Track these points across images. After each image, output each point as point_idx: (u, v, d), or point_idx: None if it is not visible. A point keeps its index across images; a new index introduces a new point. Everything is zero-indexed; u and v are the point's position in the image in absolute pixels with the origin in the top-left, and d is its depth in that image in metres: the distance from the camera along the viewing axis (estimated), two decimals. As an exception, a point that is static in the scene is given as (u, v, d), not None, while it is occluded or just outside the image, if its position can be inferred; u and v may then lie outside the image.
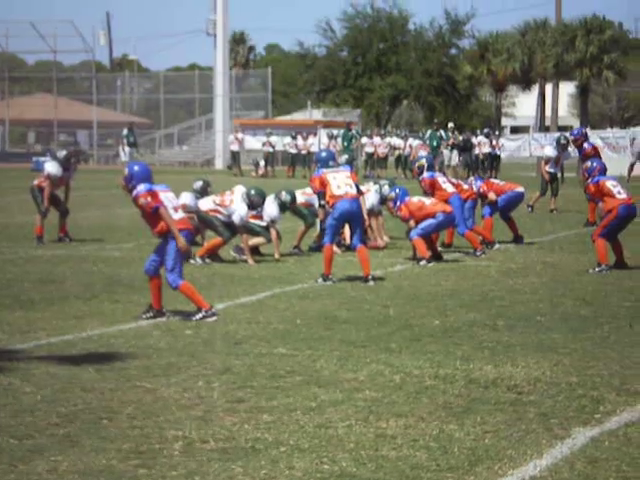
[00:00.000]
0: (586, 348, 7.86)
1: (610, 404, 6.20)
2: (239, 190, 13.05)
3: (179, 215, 9.05)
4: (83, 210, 21.31)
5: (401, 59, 55.19)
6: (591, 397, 6.37)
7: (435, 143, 34.83)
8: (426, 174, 13.74)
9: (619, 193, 12.21)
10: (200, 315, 8.95)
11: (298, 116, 60.01)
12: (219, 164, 45.56)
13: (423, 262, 12.66)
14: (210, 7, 46.14)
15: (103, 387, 6.58)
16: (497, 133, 42.92)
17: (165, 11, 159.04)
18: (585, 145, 18.56)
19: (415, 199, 13.27)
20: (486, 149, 37.41)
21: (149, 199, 8.87)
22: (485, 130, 39.99)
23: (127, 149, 39.13)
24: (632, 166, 34.40)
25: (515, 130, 63.39)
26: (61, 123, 51.90)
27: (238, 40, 68.86)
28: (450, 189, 13.76)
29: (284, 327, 8.68)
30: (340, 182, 11.24)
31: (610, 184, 12.27)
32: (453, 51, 57.72)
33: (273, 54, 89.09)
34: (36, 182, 15.23)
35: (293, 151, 38.96)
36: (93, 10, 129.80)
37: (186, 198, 12.71)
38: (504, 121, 63.46)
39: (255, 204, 12.89)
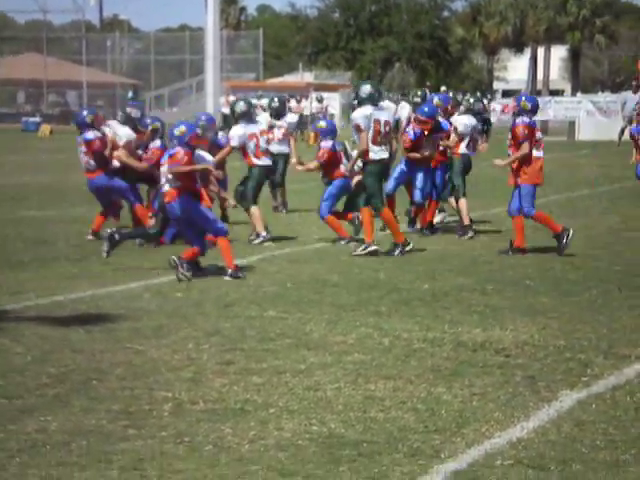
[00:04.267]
0: (574, 312, 7.90)
1: (597, 367, 6.24)
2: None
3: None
4: (73, 172, 21.21)
5: (393, 21, 54.88)
6: (578, 360, 6.41)
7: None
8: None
9: None
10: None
11: (290, 79, 59.74)
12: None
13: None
14: (201, -34, 45.68)
15: (93, 348, 6.60)
16: (489, 97, 42.81)
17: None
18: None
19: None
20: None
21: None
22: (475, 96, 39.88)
23: None
24: (622, 130, 34.24)
25: (507, 94, 63.13)
26: (51, 83, 51.53)
27: (229, 1, 68.29)
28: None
29: (274, 290, 8.70)
30: None
31: None
32: (445, 14, 57.40)
33: (265, 15, 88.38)
34: None
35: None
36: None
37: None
38: (496, 85, 63.29)
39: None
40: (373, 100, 10.53)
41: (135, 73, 54.42)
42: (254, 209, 11.59)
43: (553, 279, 9.38)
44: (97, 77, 52.68)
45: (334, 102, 39.24)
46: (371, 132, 10.40)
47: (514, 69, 66.72)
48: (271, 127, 14.28)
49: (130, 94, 40.93)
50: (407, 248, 10.63)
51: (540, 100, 40.78)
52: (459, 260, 10.45)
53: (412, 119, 12.31)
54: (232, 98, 39.91)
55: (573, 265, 10.14)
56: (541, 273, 9.68)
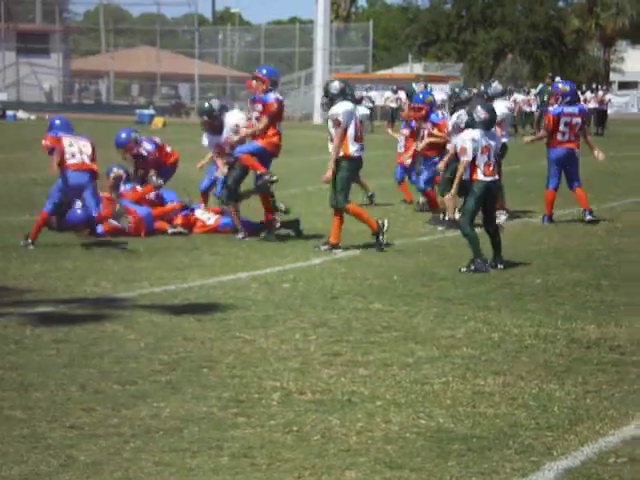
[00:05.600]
0: (693, 310, 7.63)
1: None
2: None
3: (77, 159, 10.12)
4: (188, 161, 21.48)
5: (507, 12, 54.06)
6: (697, 360, 6.20)
7: (545, 98, 34.04)
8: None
9: None
10: None
11: (398, 70, 59.54)
12: (317, 119, 45.54)
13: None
14: (312, -41, 45.89)
15: (203, 336, 6.70)
16: (605, 88, 41.80)
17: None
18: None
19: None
20: (592, 104, 36.50)
21: (48, 142, 10.16)
22: (593, 85, 39.04)
23: None
24: None
25: (624, 86, 61.49)
26: (164, 76, 52.62)
27: (340, -7, 68.32)
28: None
29: (380, 283, 8.67)
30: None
31: None
32: (561, 4, 56.29)
33: (375, 7, 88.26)
34: None
35: (394, 105, 38.64)
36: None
37: None
38: (612, 76, 61.70)
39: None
40: (345, 95, 10.30)
41: (245, 66, 55.08)
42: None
43: (671, 276, 9.08)
44: (208, 70, 53.52)
45: (443, 94, 38.90)
46: (352, 128, 10.11)
47: (631, 60, 64.90)
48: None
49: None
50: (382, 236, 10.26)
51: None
52: (574, 254, 10.23)
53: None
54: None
55: (692, 262, 9.80)
56: (658, 269, 9.38)
